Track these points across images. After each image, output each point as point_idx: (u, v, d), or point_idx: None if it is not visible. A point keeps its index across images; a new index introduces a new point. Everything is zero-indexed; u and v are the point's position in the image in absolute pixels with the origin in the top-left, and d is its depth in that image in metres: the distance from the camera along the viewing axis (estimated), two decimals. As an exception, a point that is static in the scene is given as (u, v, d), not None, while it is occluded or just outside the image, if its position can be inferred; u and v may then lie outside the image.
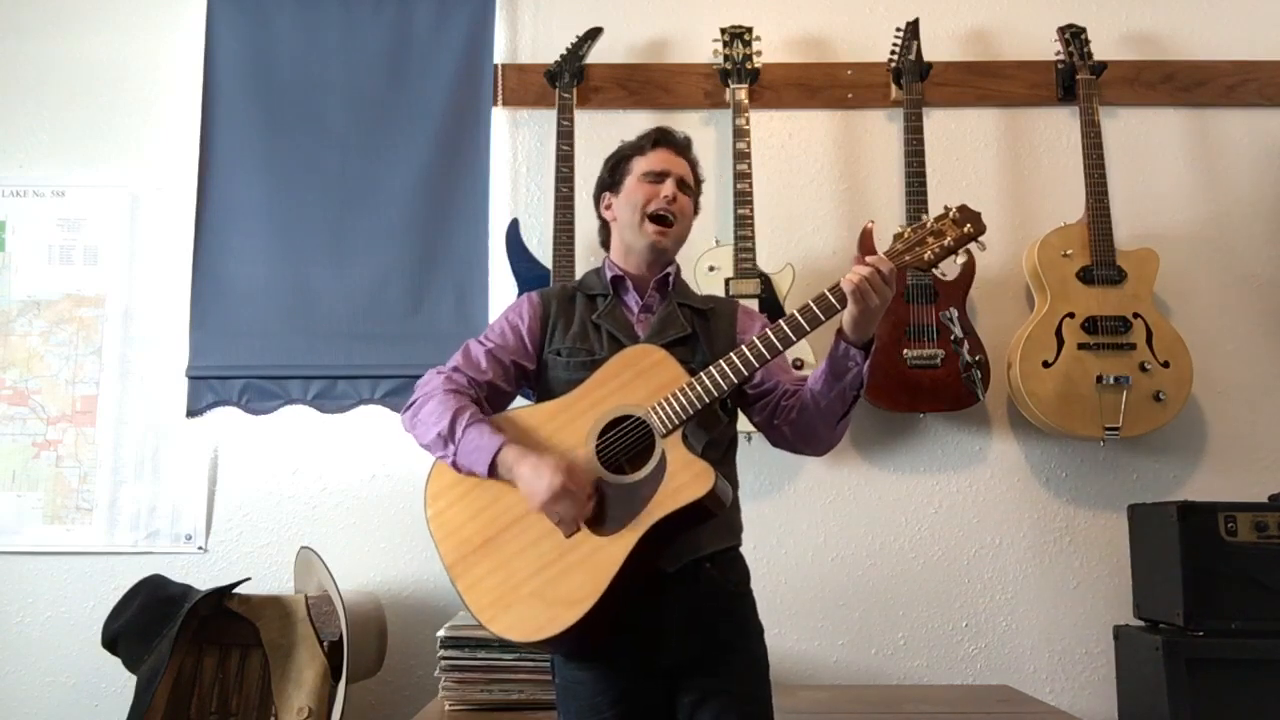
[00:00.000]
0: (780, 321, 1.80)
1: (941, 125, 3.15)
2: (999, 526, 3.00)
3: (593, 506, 1.77)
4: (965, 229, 1.79)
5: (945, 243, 1.78)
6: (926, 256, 1.78)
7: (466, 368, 1.96)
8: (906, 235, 1.80)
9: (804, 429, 1.90)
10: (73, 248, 3.15)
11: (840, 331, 1.80)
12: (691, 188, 2.03)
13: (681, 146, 2.04)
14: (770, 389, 1.94)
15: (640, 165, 2.00)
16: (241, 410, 3.01)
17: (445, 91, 3.11)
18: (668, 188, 1.97)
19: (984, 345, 2.88)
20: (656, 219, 1.97)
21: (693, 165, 2.05)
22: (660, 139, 2.02)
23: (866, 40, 3.18)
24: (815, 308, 1.79)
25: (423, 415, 1.89)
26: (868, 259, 1.75)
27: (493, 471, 1.81)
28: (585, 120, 2.99)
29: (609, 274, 2.02)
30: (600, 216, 2.08)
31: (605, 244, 2.10)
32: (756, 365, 1.80)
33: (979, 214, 1.80)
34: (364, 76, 3.13)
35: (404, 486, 3.00)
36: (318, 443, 3.05)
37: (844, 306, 1.77)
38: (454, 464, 1.85)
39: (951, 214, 1.79)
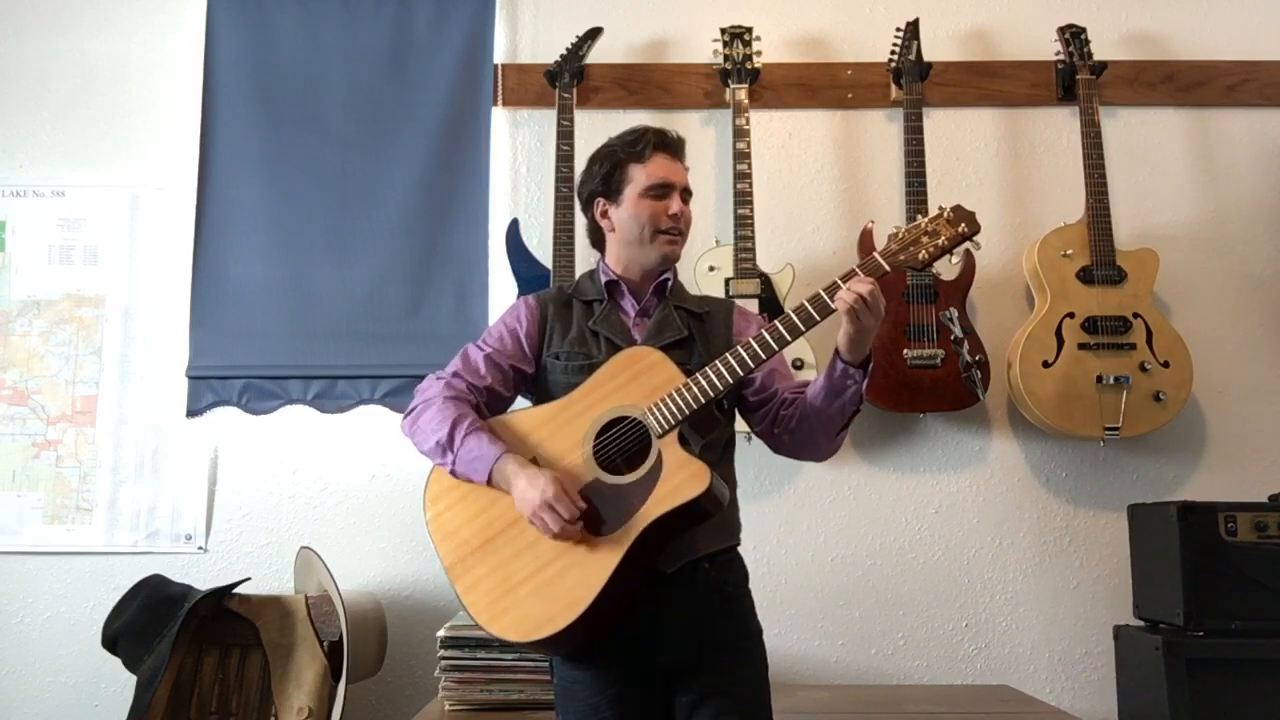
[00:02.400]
0: (776, 322, 1.81)
1: (941, 125, 3.14)
2: (999, 526, 3.00)
3: (581, 526, 1.76)
4: (960, 228, 1.80)
5: (940, 242, 1.79)
6: (921, 256, 1.79)
7: (466, 373, 1.95)
8: (901, 235, 1.81)
9: (804, 438, 1.91)
10: (73, 248, 3.15)
11: (837, 352, 1.80)
12: (691, 192, 2.00)
13: (678, 149, 2.00)
14: (769, 396, 1.94)
15: (640, 176, 1.95)
16: (241, 410, 3.01)
17: (445, 91, 3.11)
18: (675, 204, 1.95)
19: (984, 345, 2.88)
20: (667, 231, 1.95)
21: (684, 165, 2.01)
22: (658, 143, 1.97)
23: (866, 40, 3.18)
24: (810, 308, 1.79)
25: (422, 423, 1.89)
26: (851, 285, 1.74)
27: (490, 481, 1.82)
28: (585, 120, 2.99)
29: (604, 278, 2.01)
30: (593, 219, 2.04)
31: (596, 244, 2.07)
32: (752, 365, 1.80)
33: (973, 213, 1.81)
34: (364, 76, 3.13)
35: (404, 486, 3.00)
36: (318, 443, 3.05)
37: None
38: (452, 472, 1.85)
39: (946, 214, 1.80)
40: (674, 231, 1.95)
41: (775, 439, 1.95)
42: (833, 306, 1.77)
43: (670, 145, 1.99)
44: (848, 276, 1.78)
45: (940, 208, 1.81)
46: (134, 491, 3.05)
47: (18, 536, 3.03)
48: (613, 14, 3.19)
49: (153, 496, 3.05)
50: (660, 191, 1.95)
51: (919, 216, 1.86)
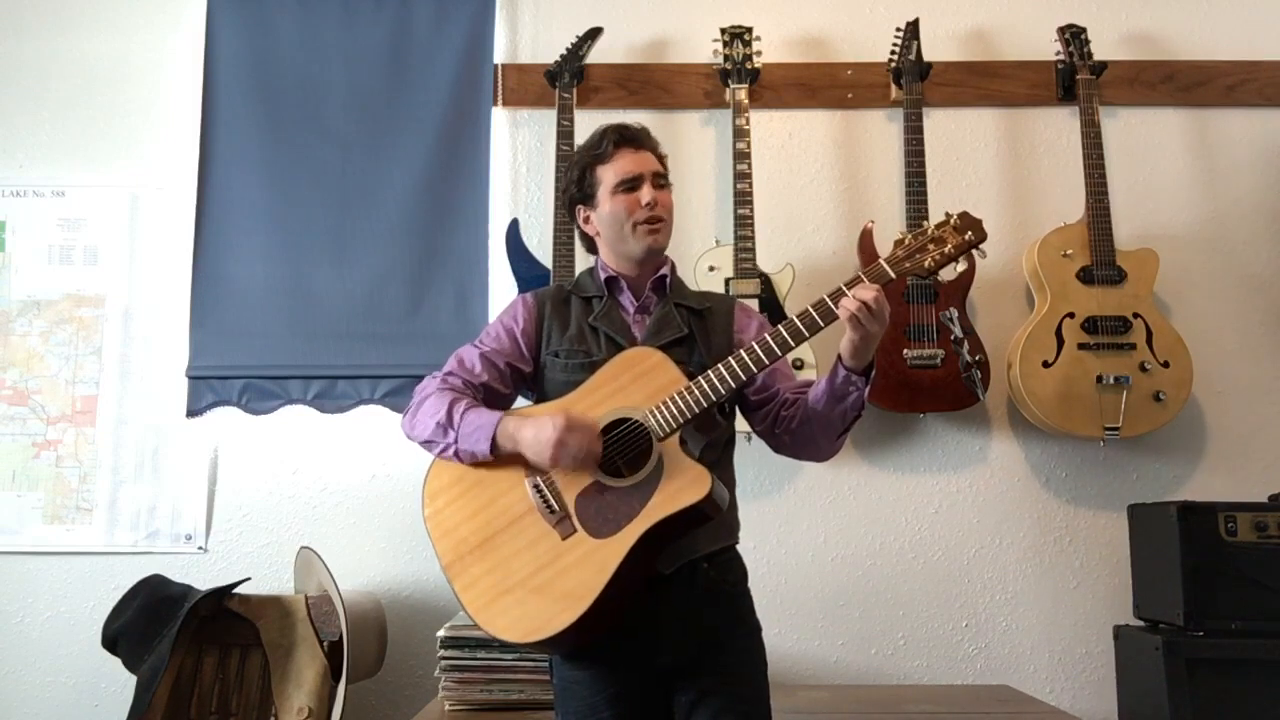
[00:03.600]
0: (779, 327, 1.80)
1: (941, 125, 3.14)
2: (999, 526, 3.00)
3: (600, 446, 1.77)
4: (966, 236, 1.79)
5: (946, 250, 1.78)
6: (927, 264, 1.79)
7: (460, 371, 1.95)
8: (907, 242, 1.80)
9: (805, 440, 1.91)
10: (73, 248, 3.15)
11: (840, 358, 1.80)
12: (665, 177, 1.99)
13: (641, 140, 1.98)
14: (770, 397, 1.94)
15: (608, 175, 1.94)
16: (241, 410, 3.01)
17: (445, 91, 3.11)
18: (646, 193, 1.93)
19: (984, 345, 2.88)
20: (646, 222, 1.94)
21: (656, 153, 1.99)
22: (619, 139, 1.96)
23: (866, 40, 3.18)
24: (814, 313, 1.79)
25: (420, 413, 1.89)
26: (855, 292, 1.74)
27: (495, 446, 1.81)
28: (585, 120, 2.98)
29: (603, 275, 2.01)
30: (579, 229, 2.04)
31: (590, 250, 2.07)
32: (755, 370, 1.80)
33: (980, 221, 1.80)
34: (364, 76, 3.13)
35: (404, 486, 3.01)
36: (318, 443, 3.05)
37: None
38: (456, 453, 1.85)
39: (952, 221, 1.79)
40: (653, 220, 1.94)
41: (776, 439, 1.96)
42: (836, 313, 1.76)
43: (632, 138, 1.97)
44: (853, 283, 1.77)
45: (947, 214, 1.81)
46: (134, 491, 3.05)
47: (18, 536, 3.03)
48: (613, 14, 3.19)
49: (153, 496, 3.05)
50: (630, 185, 1.94)
51: (925, 222, 1.85)
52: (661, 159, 2.00)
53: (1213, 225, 3.11)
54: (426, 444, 1.89)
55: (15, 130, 3.20)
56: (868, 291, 1.73)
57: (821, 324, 1.79)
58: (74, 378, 3.10)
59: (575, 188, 2.00)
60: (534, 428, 1.77)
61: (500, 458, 1.83)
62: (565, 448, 1.75)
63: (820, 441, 1.90)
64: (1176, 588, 2.55)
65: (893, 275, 1.78)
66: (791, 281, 2.92)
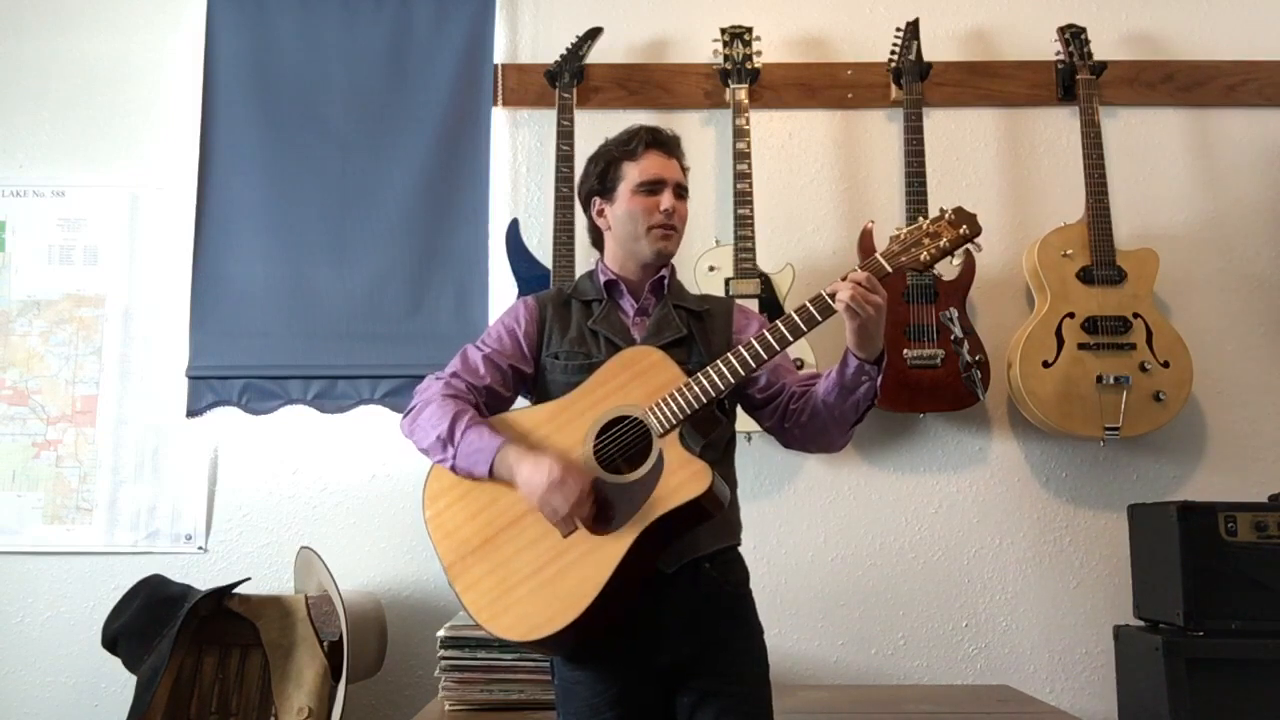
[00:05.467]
0: (777, 322, 1.81)
1: (941, 125, 3.15)
2: (999, 526, 3.00)
3: (591, 505, 1.77)
4: (961, 230, 1.80)
5: (941, 244, 1.80)
6: (923, 258, 1.80)
7: (465, 373, 1.95)
8: (903, 237, 1.81)
9: (816, 432, 1.92)
10: (73, 248, 3.15)
11: (849, 350, 1.80)
12: (686, 189, 2.01)
13: (671, 146, 2.00)
14: (777, 392, 1.94)
15: (633, 173, 1.95)
16: (241, 410, 3.01)
17: (445, 91, 3.11)
18: (666, 200, 1.94)
19: (984, 345, 2.88)
20: (659, 226, 1.95)
21: (681, 164, 2.01)
22: (651, 141, 1.97)
23: (866, 40, 3.19)
24: (812, 308, 1.79)
25: (421, 420, 1.89)
26: (847, 275, 1.75)
27: (492, 472, 1.82)
28: (585, 120, 2.99)
29: (602, 278, 2.02)
30: (591, 219, 2.05)
31: (595, 244, 2.08)
32: (754, 365, 1.80)
33: (974, 215, 1.81)
34: (364, 76, 3.13)
35: (404, 486, 3.01)
36: (318, 443, 3.05)
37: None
38: (453, 467, 1.85)
39: (947, 215, 1.81)
40: (666, 227, 1.95)
41: (785, 433, 1.96)
42: (834, 306, 1.77)
43: (663, 142, 1.99)
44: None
45: (941, 209, 1.82)
46: (134, 491, 3.05)
47: (18, 536, 3.03)
48: (613, 14, 3.19)
49: (153, 496, 3.05)
50: (652, 187, 1.95)
51: (920, 218, 1.86)
52: (685, 170, 2.01)
53: (1213, 225, 3.11)
54: (424, 451, 1.90)
55: (15, 130, 3.20)
56: (858, 275, 1.74)
57: (819, 318, 1.79)
58: (74, 378, 3.10)
59: (596, 180, 2.00)
60: (531, 467, 1.77)
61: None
62: (549, 503, 1.76)
63: (832, 433, 1.91)
64: (1176, 588, 2.55)
65: (889, 269, 1.79)
66: (791, 281, 2.92)
